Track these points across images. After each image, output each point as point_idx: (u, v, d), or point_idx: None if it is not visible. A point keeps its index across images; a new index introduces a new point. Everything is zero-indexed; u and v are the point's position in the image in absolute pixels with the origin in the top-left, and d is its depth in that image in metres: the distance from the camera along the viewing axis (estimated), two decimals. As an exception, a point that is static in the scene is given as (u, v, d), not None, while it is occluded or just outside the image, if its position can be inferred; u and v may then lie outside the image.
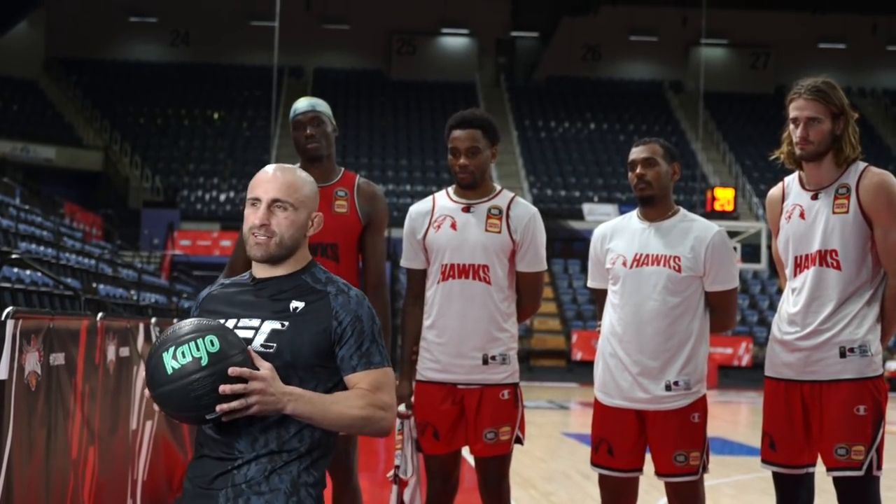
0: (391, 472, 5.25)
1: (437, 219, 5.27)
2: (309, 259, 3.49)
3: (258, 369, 3.20)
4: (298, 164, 5.33)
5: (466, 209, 5.25)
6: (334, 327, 3.33)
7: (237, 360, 3.17)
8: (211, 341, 3.18)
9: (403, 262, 5.34)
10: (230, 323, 3.35)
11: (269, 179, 3.45)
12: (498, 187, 5.33)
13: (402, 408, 5.22)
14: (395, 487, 5.23)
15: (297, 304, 3.37)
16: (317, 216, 3.50)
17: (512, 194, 5.34)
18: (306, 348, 3.31)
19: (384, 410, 3.31)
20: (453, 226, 5.22)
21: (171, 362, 3.16)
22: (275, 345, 3.30)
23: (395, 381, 3.25)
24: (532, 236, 5.24)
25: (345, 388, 3.35)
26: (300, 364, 3.29)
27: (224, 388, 3.15)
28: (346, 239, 5.24)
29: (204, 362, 3.15)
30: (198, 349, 3.17)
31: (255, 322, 3.36)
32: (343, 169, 5.41)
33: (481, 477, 5.27)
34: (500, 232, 5.20)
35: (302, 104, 5.32)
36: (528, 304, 5.34)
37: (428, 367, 5.26)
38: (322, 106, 5.34)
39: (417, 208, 5.39)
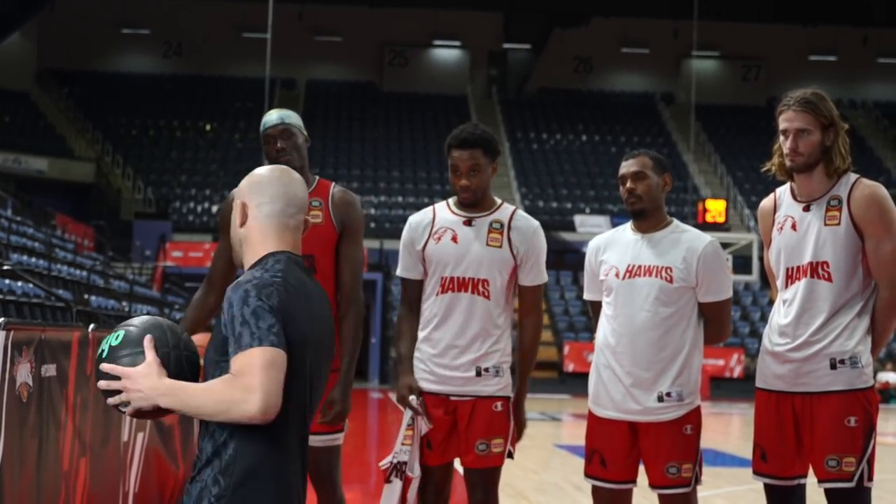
0: (386, 461, 5.19)
1: (438, 230, 5.25)
2: (262, 255, 3.31)
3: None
4: None
5: (468, 223, 5.23)
6: (223, 316, 3.18)
7: (124, 359, 3.21)
8: (117, 336, 3.26)
9: (400, 272, 5.32)
10: None
11: None
12: (499, 201, 5.32)
13: (412, 399, 5.18)
14: (397, 483, 5.18)
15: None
16: (238, 203, 3.35)
17: (513, 208, 5.31)
18: (212, 344, 3.25)
19: (245, 392, 3.04)
20: (454, 238, 5.20)
21: (99, 347, 3.28)
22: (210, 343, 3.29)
23: (273, 360, 3.03)
24: (535, 250, 5.24)
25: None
26: (211, 360, 3.22)
27: (100, 384, 3.23)
28: (323, 250, 5.16)
29: (104, 355, 3.25)
30: (106, 342, 3.27)
31: None
32: (318, 178, 5.35)
33: (470, 490, 5.22)
34: (500, 246, 5.19)
35: (271, 117, 5.24)
36: (535, 319, 5.38)
37: (422, 378, 5.22)
38: (292, 118, 5.27)
39: (417, 219, 5.35)
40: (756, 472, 4.94)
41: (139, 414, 3.23)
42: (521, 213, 5.31)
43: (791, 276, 4.87)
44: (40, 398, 4.67)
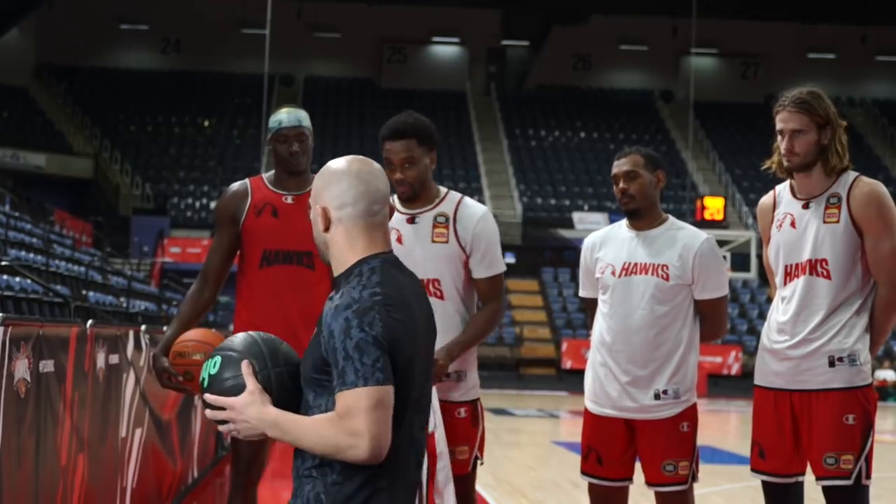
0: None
1: None
2: (355, 260, 3.19)
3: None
4: (273, 172, 5.31)
5: (411, 220, 4.90)
6: (324, 340, 3.08)
7: (226, 384, 3.15)
8: (215, 363, 3.19)
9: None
10: None
11: None
12: (443, 191, 4.97)
13: None
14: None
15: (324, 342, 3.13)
16: (319, 208, 3.23)
17: (459, 196, 4.95)
18: (308, 360, 3.16)
19: (353, 437, 2.99)
20: (399, 239, 4.84)
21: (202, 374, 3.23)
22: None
23: (380, 399, 2.97)
24: (485, 238, 4.87)
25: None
26: (306, 378, 3.16)
27: (207, 414, 3.19)
28: None
29: (205, 385, 3.19)
30: (205, 370, 3.21)
31: None
32: None
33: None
34: (447, 241, 4.85)
35: (288, 117, 5.17)
36: (495, 311, 4.89)
37: None
38: (307, 120, 5.21)
39: None
40: (754, 470, 4.94)
41: (251, 438, 3.18)
42: (468, 201, 4.96)
43: (790, 274, 4.87)
44: (38, 394, 4.67)
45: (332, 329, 3.04)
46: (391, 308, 3.07)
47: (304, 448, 3.08)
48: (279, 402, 3.14)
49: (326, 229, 3.21)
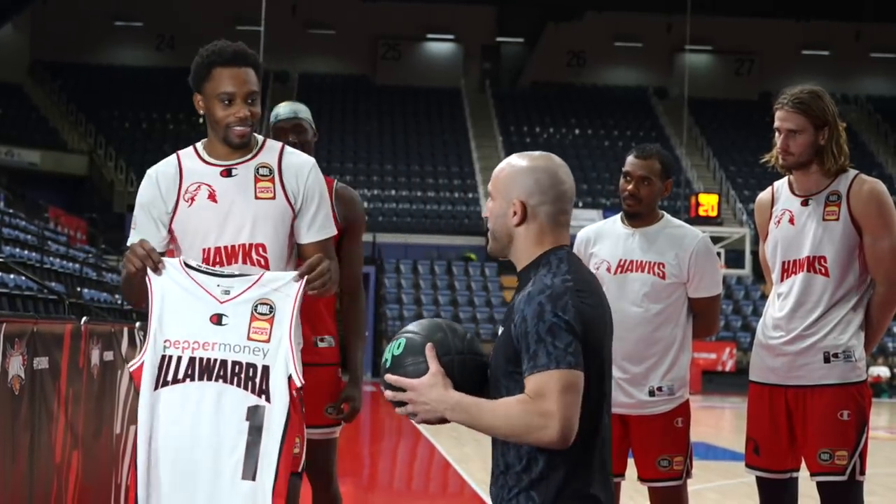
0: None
1: (189, 188, 4.04)
2: (541, 252, 3.20)
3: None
4: None
5: (227, 173, 4.02)
6: (515, 328, 3.09)
7: (409, 368, 3.16)
8: (399, 344, 3.21)
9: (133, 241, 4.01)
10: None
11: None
12: (260, 138, 4.13)
13: None
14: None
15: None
16: (516, 202, 3.20)
17: (280, 144, 4.15)
18: (500, 354, 3.15)
19: (543, 418, 2.97)
20: (212, 196, 4.00)
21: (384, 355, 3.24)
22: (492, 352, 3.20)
23: (571, 383, 2.95)
24: (319, 192, 4.10)
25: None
26: (501, 371, 3.14)
27: (387, 395, 3.19)
28: None
29: (387, 365, 3.20)
30: (389, 351, 3.22)
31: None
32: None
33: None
34: (274, 197, 4.01)
35: (284, 110, 5.14)
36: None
37: None
38: (305, 113, 5.15)
39: (162, 170, 4.11)
40: (748, 466, 4.95)
41: (428, 422, 3.18)
42: (290, 149, 4.16)
43: (787, 270, 4.87)
44: (32, 391, 4.67)
45: (525, 314, 3.05)
46: (583, 294, 3.10)
47: (485, 429, 3.06)
48: (460, 389, 3.13)
49: (521, 223, 3.21)
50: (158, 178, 4.08)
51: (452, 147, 44.75)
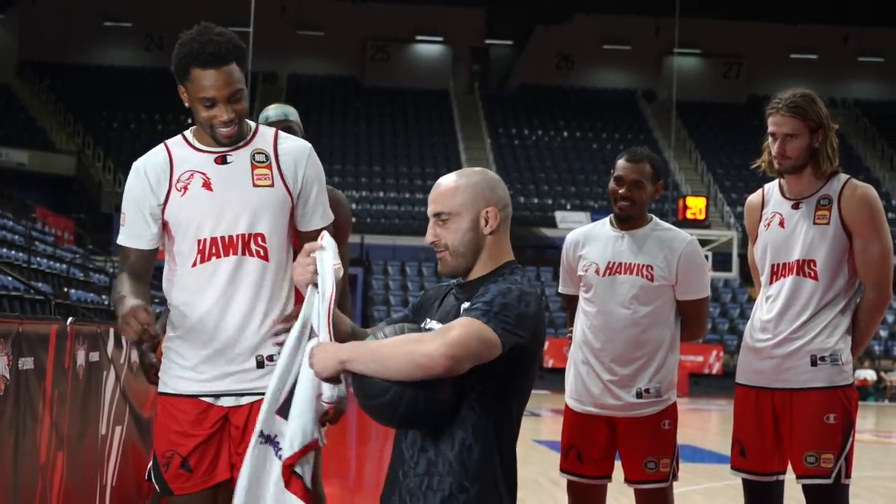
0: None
1: (182, 178, 3.89)
2: (504, 261, 3.22)
3: None
4: None
5: (221, 160, 3.87)
6: (470, 303, 3.09)
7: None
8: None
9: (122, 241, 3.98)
10: (426, 323, 3.26)
11: (431, 195, 3.31)
12: (252, 124, 3.98)
13: None
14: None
15: (466, 305, 3.12)
16: (489, 210, 3.20)
17: (274, 130, 4.00)
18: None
19: (440, 338, 2.93)
20: (207, 185, 3.85)
21: None
22: None
23: (486, 339, 2.91)
24: (318, 179, 3.97)
25: (512, 396, 3.22)
26: None
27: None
28: None
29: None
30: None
31: (434, 325, 3.20)
32: None
33: None
34: (272, 185, 3.86)
35: (274, 112, 5.13)
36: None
37: (177, 376, 3.95)
38: (294, 115, 5.15)
39: (150, 161, 4.00)
40: (734, 468, 4.95)
41: (327, 370, 3.06)
42: (285, 133, 4.02)
43: (776, 273, 4.87)
44: (17, 391, 4.65)
45: (489, 289, 3.08)
46: (539, 305, 3.13)
47: (378, 367, 2.98)
48: None
49: (493, 232, 3.22)
50: (147, 170, 3.94)
51: (441, 149, 44.74)
